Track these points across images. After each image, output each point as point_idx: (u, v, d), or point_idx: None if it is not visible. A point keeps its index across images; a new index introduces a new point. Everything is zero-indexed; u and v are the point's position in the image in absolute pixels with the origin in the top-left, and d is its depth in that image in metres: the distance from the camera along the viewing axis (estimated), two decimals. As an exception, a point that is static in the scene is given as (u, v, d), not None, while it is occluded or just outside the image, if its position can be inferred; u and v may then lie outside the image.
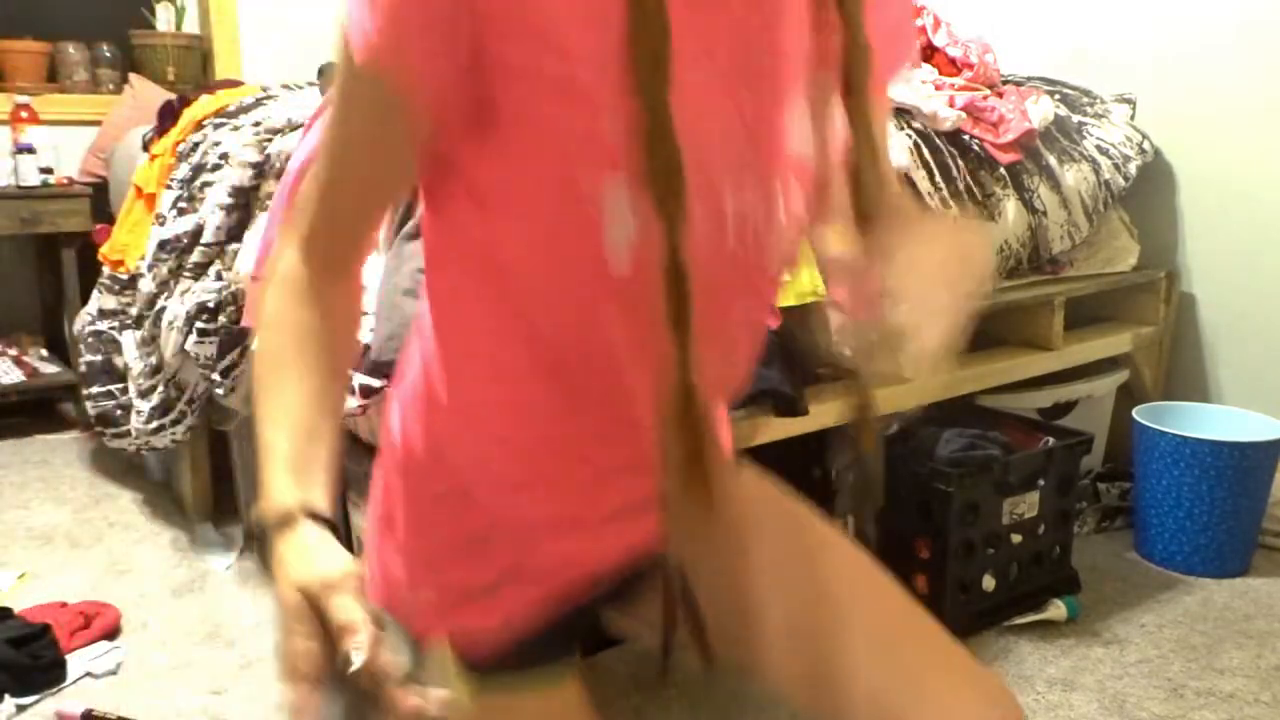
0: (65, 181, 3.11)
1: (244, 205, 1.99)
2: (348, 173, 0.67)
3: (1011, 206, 2.06)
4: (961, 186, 1.97)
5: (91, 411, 2.49)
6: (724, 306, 0.68)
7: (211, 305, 1.97)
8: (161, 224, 2.18)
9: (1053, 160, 2.17)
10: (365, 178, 0.67)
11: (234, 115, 2.23)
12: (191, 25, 3.65)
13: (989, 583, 1.92)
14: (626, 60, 0.56)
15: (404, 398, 0.75)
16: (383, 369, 1.39)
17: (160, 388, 2.21)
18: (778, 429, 1.65)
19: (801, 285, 1.56)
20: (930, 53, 2.28)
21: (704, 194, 0.61)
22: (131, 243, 2.41)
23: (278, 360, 0.67)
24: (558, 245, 0.64)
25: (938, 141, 1.97)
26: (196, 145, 2.21)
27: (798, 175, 0.67)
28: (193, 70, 3.57)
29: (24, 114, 3.08)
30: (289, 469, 0.63)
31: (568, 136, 0.59)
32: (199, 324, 1.97)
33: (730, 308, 0.69)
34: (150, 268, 2.17)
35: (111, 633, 1.92)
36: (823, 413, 1.69)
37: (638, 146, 0.57)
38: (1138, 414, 2.24)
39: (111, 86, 3.51)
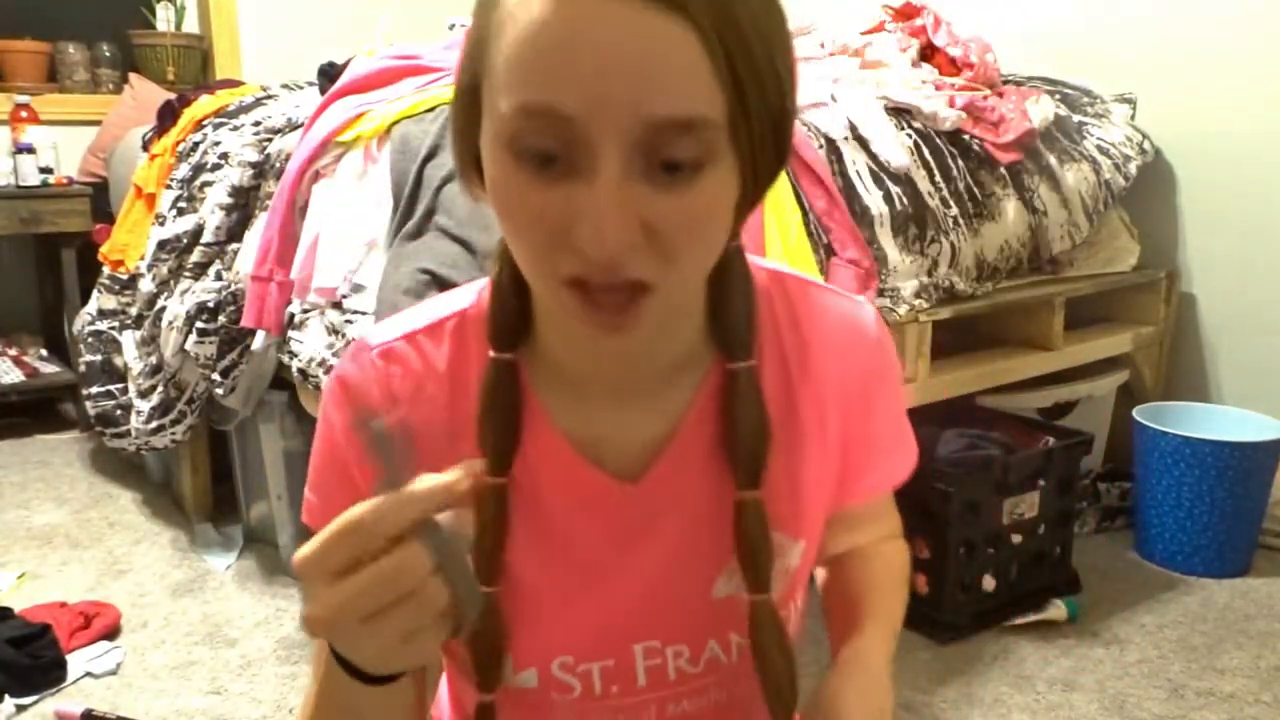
0: (65, 181, 3.11)
1: (244, 205, 1.99)
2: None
3: (1011, 206, 2.06)
4: (961, 186, 1.97)
5: (91, 411, 2.49)
6: None
7: (211, 305, 1.97)
8: (161, 224, 2.18)
9: (1053, 160, 2.17)
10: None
11: (234, 115, 2.23)
12: (191, 25, 3.66)
13: (989, 583, 1.92)
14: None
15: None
16: (383, 369, 1.39)
17: (160, 388, 2.21)
18: None
19: None
20: (930, 53, 2.28)
21: (596, 649, 0.68)
22: (131, 243, 2.41)
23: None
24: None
25: (938, 141, 1.97)
26: (196, 145, 2.21)
27: (735, 619, 0.68)
28: (193, 70, 3.57)
29: (24, 114, 3.08)
30: None
31: None
32: (199, 324, 1.97)
33: None
34: (150, 268, 2.17)
35: (111, 633, 1.92)
36: None
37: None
38: (1138, 414, 2.24)
39: (111, 86, 3.51)
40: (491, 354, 0.64)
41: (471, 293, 0.69)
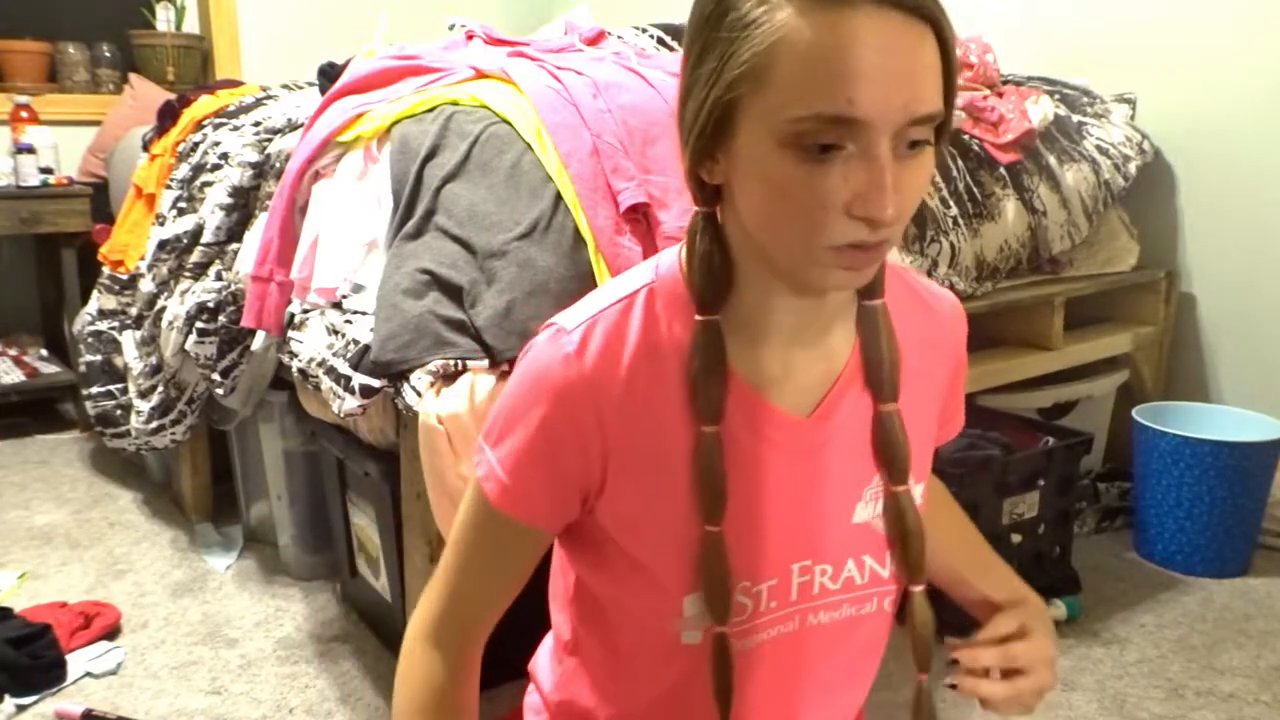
0: (65, 181, 3.12)
1: (244, 205, 1.99)
2: (472, 586, 0.82)
3: (1011, 206, 2.06)
4: (961, 186, 1.97)
5: (91, 411, 2.50)
6: (806, 649, 0.82)
7: (211, 305, 1.97)
8: (161, 224, 2.18)
9: (1053, 160, 2.17)
10: (488, 588, 0.82)
11: (234, 115, 2.23)
12: (191, 25, 3.66)
13: (989, 583, 1.92)
14: (696, 505, 0.74)
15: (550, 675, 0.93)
16: (383, 369, 1.39)
17: (160, 388, 2.21)
18: None
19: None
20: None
21: (767, 570, 0.78)
22: (131, 243, 2.41)
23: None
24: (641, 618, 0.80)
25: (938, 141, 1.96)
26: (196, 145, 2.21)
27: (868, 543, 0.81)
28: (193, 70, 3.57)
29: (24, 114, 3.08)
30: None
31: (655, 564, 0.77)
32: (199, 324, 1.97)
33: (813, 650, 0.83)
34: (150, 268, 2.17)
35: (111, 633, 1.92)
36: None
37: (700, 569, 0.75)
38: (1138, 414, 2.24)
39: (111, 86, 3.51)
40: (700, 317, 0.74)
41: (648, 270, 0.78)
